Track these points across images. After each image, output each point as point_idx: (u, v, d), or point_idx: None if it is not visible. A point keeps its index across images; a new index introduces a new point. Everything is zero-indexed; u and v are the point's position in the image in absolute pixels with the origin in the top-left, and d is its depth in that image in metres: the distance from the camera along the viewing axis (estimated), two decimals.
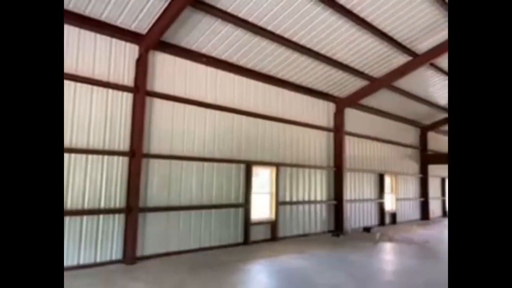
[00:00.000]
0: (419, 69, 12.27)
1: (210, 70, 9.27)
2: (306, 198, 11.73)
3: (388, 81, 12.31)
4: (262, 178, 10.94)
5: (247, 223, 9.60)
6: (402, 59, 11.47)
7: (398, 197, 16.35)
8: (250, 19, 8.37)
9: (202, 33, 8.41)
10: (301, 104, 11.90)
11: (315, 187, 12.11)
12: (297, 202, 11.33)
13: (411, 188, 17.48)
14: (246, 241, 9.55)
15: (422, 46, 11.01)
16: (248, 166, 9.82)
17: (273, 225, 10.44)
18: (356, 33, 9.72)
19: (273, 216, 10.49)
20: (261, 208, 10.52)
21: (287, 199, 11.05)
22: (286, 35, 9.21)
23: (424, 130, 18.44)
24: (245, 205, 9.64)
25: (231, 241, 9.34)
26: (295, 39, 9.41)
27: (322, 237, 11.33)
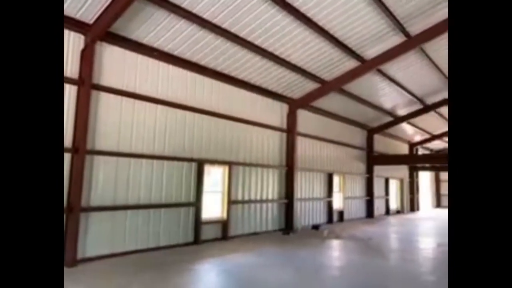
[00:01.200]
0: (367, 74, 12.93)
1: (162, 65, 9.01)
2: (258, 197, 11.85)
3: (338, 84, 12.81)
4: (215, 177, 10.87)
5: (198, 223, 9.49)
6: (351, 64, 12.00)
7: (346, 196, 17.11)
8: (205, 16, 8.26)
9: (155, 27, 8.15)
10: (255, 104, 12.00)
11: (267, 186, 12.28)
12: (249, 201, 11.41)
13: (358, 187, 18.38)
14: (197, 240, 9.43)
15: (370, 52, 11.60)
16: (200, 164, 9.70)
17: (224, 224, 10.41)
18: (309, 37, 9.99)
19: (224, 215, 10.46)
20: (213, 207, 10.45)
21: (239, 198, 11.08)
22: (241, 34, 9.22)
23: (370, 132, 19.46)
24: (196, 204, 9.52)
25: (181, 241, 9.17)
26: (249, 38, 9.46)
27: (272, 235, 11.52)
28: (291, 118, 13.30)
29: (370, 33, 10.64)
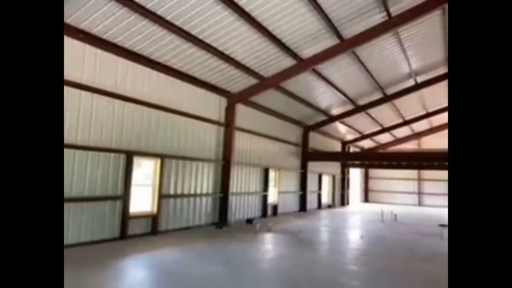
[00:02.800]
0: (303, 73, 13.35)
1: (89, 49, 8.36)
2: (192, 191, 11.64)
3: (276, 81, 13.04)
4: (146, 169, 10.43)
5: (125, 217, 9.03)
6: (288, 62, 12.28)
7: (281, 190, 17.59)
8: (137, 0, 7.82)
9: (80, 6, 7.51)
10: (193, 96, 11.73)
11: (202, 180, 12.11)
12: (182, 195, 11.15)
13: (292, 182, 19.01)
14: (123, 235, 8.98)
15: (306, 52, 11.98)
16: (129, 156, 9.22)
17: (154, 219, 10.05)
18: (248, 32, 9.99)
19: (155, 209, 10.10)
20: (143, 201, 10.03)
21: (172, 191, 10.78)
22: (177, 23, 8.90)
23: (306, 129, 20.21)
24: (124, 197, 9.04)
25: (105, 236, 8.65)
26: (186, 28, 9.18)
27: (205, 230, 11.41)
28: (230, 112, 13.25)
29: (306, 33, 10.97)
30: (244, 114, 14.38)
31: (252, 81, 12.90)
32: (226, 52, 10.76)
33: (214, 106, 12.78)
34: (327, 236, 11.91)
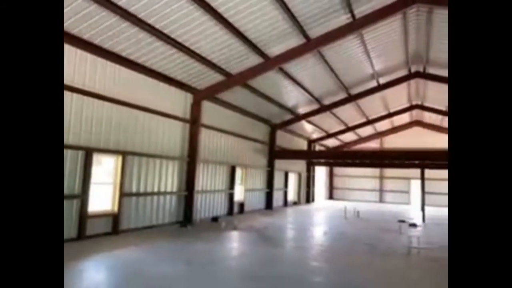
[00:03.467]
0: (270, 71, 13.40)
1: None
2: (156, 189, 11.35)
3: (243, 79, 12.99)
4: (108, 167, 10.03)
5: (83, 216, 8.63)
6: (256, 59, 12.27)
7: (247, 188, 17.60)
8: None
9: None
10: (157, 91, 11.41)
11: (166, 177, 11.84)
12: (145, 193, 10.84)
13: (259, 180, 19.08)
14: (81, 236, 8.58)
15: (273, 50, 12.03)
16: (88, 153, 8.82)
17: (115, 218, 9.69)
18: (215, 27, 9.86)
19: (115, 208, 9.74)
20: (103, 199, 9.64)
21: (134, 190, 10.44)
22: (140, 15, 8.61)
23: (273, 128, 20.35)
24: (82, 196, 8.64)
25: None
26: (151, 21, 8.90)
27: (169, 229, 11.18)
28: (196, 108, 13.04)
29: (273, 32, 11.01)
30: (210, 111, 14.22)
31: (218, 77, 12.77)
32: (192, 48, 10.56)
33: (179, 102, 12.52)
34: (292, 233, 12.06)
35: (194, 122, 12.96)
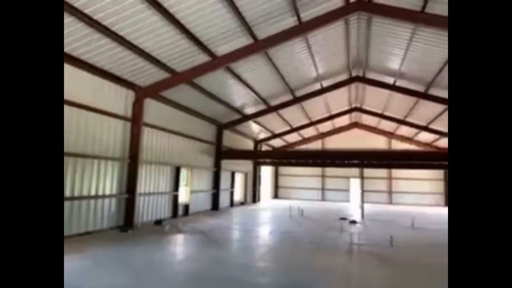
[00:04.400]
0: (218, 70, 13.21)
1: None
2: (93, 192, 10.55)
3: (189, 77, 12.63)
4: None
5: None
6: (202, 58, 12.00)
7: (193, 189, 17.19)
8: None
9: None
10: (95, 87, 10.62)
11: (105, 180, 11.07)
12: (81, 197, 10.02)
13: (205, 180, 18.74)
14: None
15: (221, 49, 11.86)
16: None
17: None
18: (159, 22, 9.44)
19: None
20: None
21: (68, 193, 9.60)
22: (76, 5, 7.92)
23: (220, 128, 20.14)
24: None
25: None
26: (87, 11, 8.24)
27: (108, 234, 10.46)
28: (138, 106, 12.38)
29: (221, 30, 10.85)
30: (155, 110, 13.62)
31: (163, 75, 12.28)
32: (134, 42, 10.01)
33: (120, 100, 11.79)
34: (238, 233, 11.99)
35: (135, 121, 12.29)
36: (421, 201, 29.60)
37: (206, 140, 18.66)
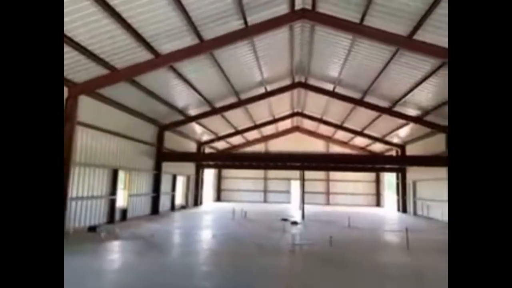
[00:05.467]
0: (161, 69, 12.74)
1: None
2: None
3: (129, 74, 11.98)
4: None
5: None
6: (145, 55, 11.48)
7: (131, 193, 16.33)
8: None
9: None
10: None
11: None
12: None
13: (145, 184, 17.93)
14: None
15: (164, 48, 11.45)
16: None
17: None
18: (98, 14, 8.81)
19: None
20: None
21: None
22: None
23: (162, 128, 19.45)
24: None
25: None
26: None
27: None
28: (71, 104, 11.40)
29: (166, 28, 10.48)
30: (90, 108, 12.70)
31: (101, 71, 11.49)
32: (68, 34, 9.21)
33: None
34: (180, 238, 11.62)
35: (68, 119, 11.30)
36: (355, 201, 31.50)
37: (146, 142, 17.87)
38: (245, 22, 11.31)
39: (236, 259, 8.38)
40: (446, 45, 10.47)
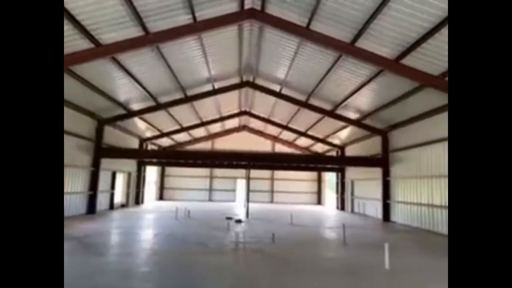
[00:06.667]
0: (102, 60, 12.01)
1: None
2: None
3: (66, 63, 11.10)
4: None
5: None
6: (84, 44, 10.73)
7: (65, 191, 15.18)
8: None
9: None
10: None
11: None
12: None
13: (80, 181, 16.78)
14: None
15: (107, 37, 10.81)
16: None
17: None
18: None
19: None
20: None
21: None
22: None
23: (101, 123, 18.35)
24: None
25: None
26: None
27: None
28: None
29: (108, 17, 9.91)
30: None
31: None
32: None
33: None
34: (118, 238, 11.06)
35: None
36: (298, 200, 32.58)
37: (83, 136, 16.73)
38: (194, 17, 11.10)
39: (178, 258, 8.19)
40: (383, 53, 11.25)
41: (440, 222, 13.45)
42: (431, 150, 14.41)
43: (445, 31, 9.23)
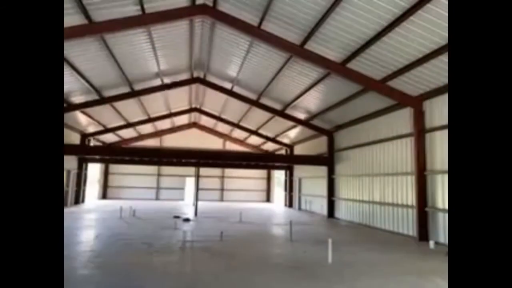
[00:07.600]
0: None
1: None
2: None
3: None
4: None
5: None
6: None
7: None
8: None
9: None
10: None
11: None
12: None
13: None
14: None
15: None
16: None
17: None
18: None
19: None
20: None
21: None
22: None
23: None
24: None
25: None
26: None
27: None
28: None
29: None
30: None
31: None
32: None
33: None
34: None
35: None
36: (248, 197, 32.85)
37: None
38: (142, 9, 10.67)
39: (122, 260, 7.85)
40: (331, 56, 11.73)
41: (379, 218, 14.38)
42: (372, 150, 15.34)
43: (387, 39, 9.86)
